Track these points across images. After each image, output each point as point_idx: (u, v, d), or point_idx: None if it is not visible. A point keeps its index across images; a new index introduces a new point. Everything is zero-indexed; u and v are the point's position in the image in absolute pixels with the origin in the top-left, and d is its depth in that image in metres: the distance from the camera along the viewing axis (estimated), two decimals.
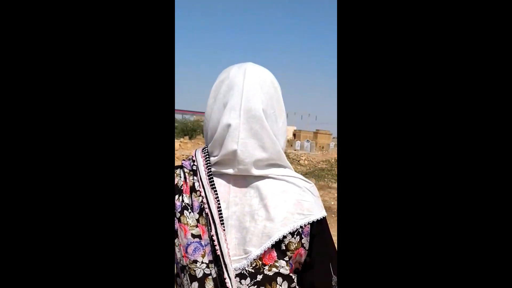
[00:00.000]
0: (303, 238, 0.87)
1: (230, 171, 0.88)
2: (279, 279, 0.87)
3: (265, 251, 0.85)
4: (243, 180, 0.88)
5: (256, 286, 0.86)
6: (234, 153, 0.85)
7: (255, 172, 0.87)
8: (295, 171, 0.96)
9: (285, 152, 0.93)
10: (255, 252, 0.85)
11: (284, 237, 0.85)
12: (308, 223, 0.87)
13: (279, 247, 0.86)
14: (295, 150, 24.57)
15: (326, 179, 8.68)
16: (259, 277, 0.86)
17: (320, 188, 10.26)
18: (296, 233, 0.86)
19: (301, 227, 0.86)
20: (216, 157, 0.88)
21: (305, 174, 8.61)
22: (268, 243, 0.84)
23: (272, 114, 0.88)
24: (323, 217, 0.89)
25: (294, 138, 36.45)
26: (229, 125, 0.85)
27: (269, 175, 0.88)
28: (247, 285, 0.86)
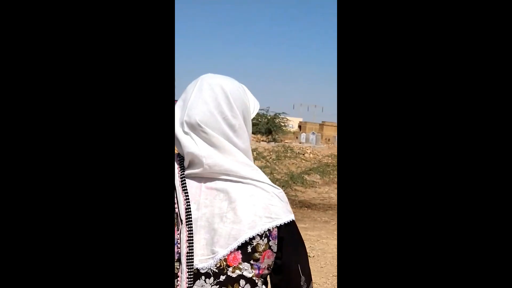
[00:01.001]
0: (270, 240, 0.95)
1: (197, 170, 0.97)
2: (242, 282, 0.94)
3: (230, 253, 0.93)
4: (214, 183, 0.97)
5: (218, 286, 0.93)
6: (192, 154, 0.96)
7: (222, 168, 0.96)
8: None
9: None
10: (222, 252, 0.93)
11: (252, 239, 0.94)
12: (276, 226, 0.95)
13: (245, 250, 0.94)
14: (300, 143, 24.54)
15: (332, 175, 8.62)
16: (222, 278, 0.93)
17: (325, 184, 10.24)
18: (264, 235, 0.95)
19: (268, 230, 0.95)
20: (185, 162, 1.00)
21: (310, 170, 8.51)
22: (235, 245, 0.93)
23: (218, 121, 0.98)
24: (290, 221, 0.98)
25: (300, 130, 36.45)
26: (178, 135, 0.98)
27: (239, 180, 0.97)
28: (210, 284, 0.94)
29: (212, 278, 0.93)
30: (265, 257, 0.95)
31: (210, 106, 0.98)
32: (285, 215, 0.97)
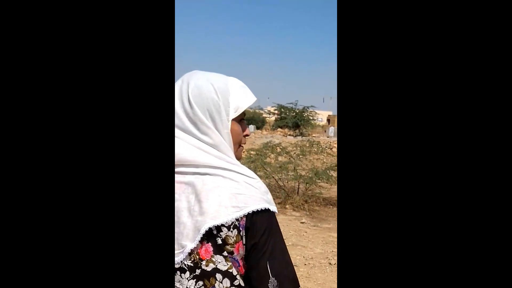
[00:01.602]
0: (241, 231, 0.95)
1: None
2: (218, 276, 0.94)
3: (201, 246, 0.94)
4: (182, 177, 0.99)
5: (195, 280, 0.94)
6: None
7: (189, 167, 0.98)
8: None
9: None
10: (189, 246, 0.93)
11: (219, 230, 0.93)
12: (244, 216, 0.94)
13: (214, 242, 0.94)
14: (328, 137, 24.33)
15: None
16: (198, 271, 0.94)
17: None
18: (232, 226, 0.94)
19: (237, 220, 0.94)
20: None
21: (334, 165, 8.37)
22: (198, 237, 0.93)
23: (181, 118, 1.01)
24: (261, 209, 0.95)
25: (328, 124, 36.14)
26: None
27: (206, 172, 0.98)
28: (187, 278, 0.95)
29: (188, 273, 0.95)
30: (239, 248, 0.94)
31: (174, 104, 1.01)
32: (255, 203, 0.95)
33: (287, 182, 7.74)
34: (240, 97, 1.05)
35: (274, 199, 1.05)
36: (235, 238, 0.94)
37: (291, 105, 28.74)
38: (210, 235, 0.93)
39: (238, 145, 1.08)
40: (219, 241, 0.94)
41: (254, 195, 0.97)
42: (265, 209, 0.96)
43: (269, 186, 7.40)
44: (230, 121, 1.04)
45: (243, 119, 1.10)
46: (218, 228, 0.93)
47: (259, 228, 0.95)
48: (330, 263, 4.43)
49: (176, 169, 0.99)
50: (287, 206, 7.16)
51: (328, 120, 38.49)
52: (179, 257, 0.95)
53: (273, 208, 0.99)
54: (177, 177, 0.99)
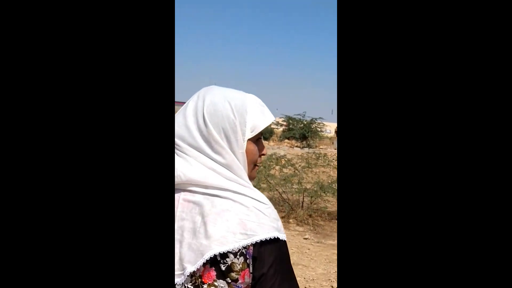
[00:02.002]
0: (248, 259, 0.92)
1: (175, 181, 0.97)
2: None
3: (204, 269, 0.91)
4: (192, 195, 0.97)
5: None
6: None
7: (193, 187, 0.97)
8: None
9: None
10: (189, 268, 0.91)
11: (225, 257, 0.91)
12: (251, 244, 0.91)
13: (218, 267, 0.91)
14: (335, 149, 24.26)
15: None
16: None
17: None
18: (239, 253, 0.91)
19: (244, 248, 0.91)
20: None
21: (335, 182, 8.34)
22: (200, 262, 0.90)
23: (194, 136, 0.98)
24: (271, 238, 0.92)
25: (336, 135, 36.13)
26: None
27: (216, 194, 0.95)
28: None
29: None
30: (245, 276, 0.92)
31: (187, 120, 0.99)
32: (264, 231, 0.92)
33: (291, 195, 7.68)
34: (257, 116, 1.02)
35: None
36: (241, 265, 0.91)
37: (298, 117, 28.82)
38: (214, 261, 0.91)
39: (253, 165, 1.05)
40: (223, 267, 0.91)
41: (263, 222, 0.94)
42: (274, 238, 0.93)
43: (272, 199, 7.33)
44: (245, 141, 1.01)
45: (260, 138, 1.06)
46: (224, 254, 0.91)
47: (268, 259, 0.93)
48: (332, 286, 4.22)
49: (185, 187, 0.98)
50: (290, 220, 7.08)
51: (336, 132, 38.46)
52: (180, 278, 0.93)
53: (283, 236, 0.96)
54: (186, 195, 0.97)
